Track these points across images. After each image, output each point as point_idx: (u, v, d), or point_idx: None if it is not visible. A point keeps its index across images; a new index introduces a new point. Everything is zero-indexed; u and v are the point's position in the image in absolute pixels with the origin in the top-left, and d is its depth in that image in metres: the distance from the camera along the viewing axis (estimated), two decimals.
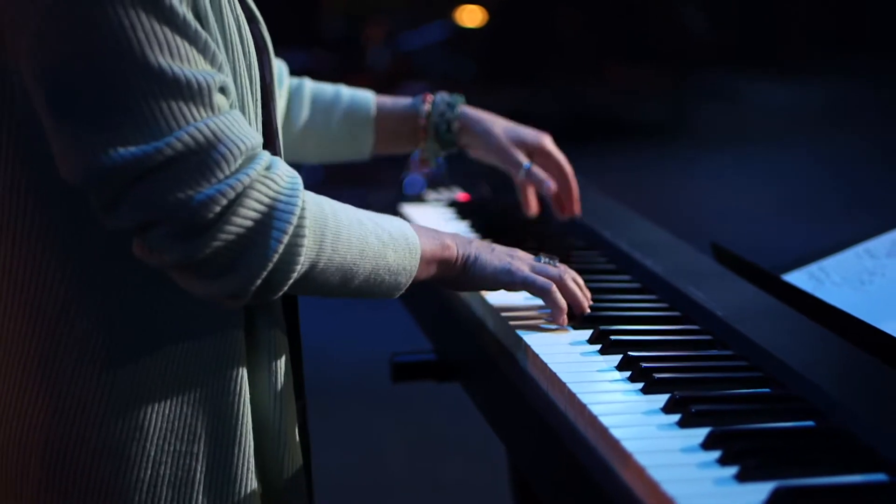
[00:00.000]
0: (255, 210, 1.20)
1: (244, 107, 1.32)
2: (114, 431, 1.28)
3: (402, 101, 1.84)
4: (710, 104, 8.35)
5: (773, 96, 8.65)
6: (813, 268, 1.65)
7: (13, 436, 1.30)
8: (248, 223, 1.20)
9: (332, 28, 8.45)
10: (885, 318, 1.42)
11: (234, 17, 1.31)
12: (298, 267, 1.24)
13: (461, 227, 1.94)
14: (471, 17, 8.08)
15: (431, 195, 2.13)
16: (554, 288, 1.45)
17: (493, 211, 2.02)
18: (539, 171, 1.78)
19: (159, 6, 1.18)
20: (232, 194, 1.19)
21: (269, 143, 1.41)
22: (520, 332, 1.43)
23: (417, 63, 7.96)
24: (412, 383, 1.86)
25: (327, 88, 1.84)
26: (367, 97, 1.83)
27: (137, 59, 1.17)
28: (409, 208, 2.05)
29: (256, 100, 1.35)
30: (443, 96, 1.82)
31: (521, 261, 1.47)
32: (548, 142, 1.82)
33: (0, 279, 1.28)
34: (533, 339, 1.41)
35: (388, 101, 1.84)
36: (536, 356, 1.37)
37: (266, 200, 1.21)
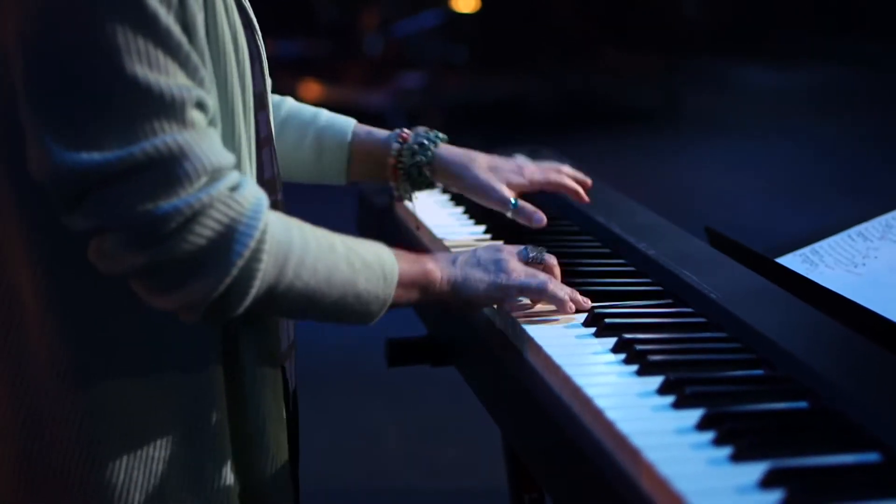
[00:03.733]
0: (211, 229, 1.20)
1: (234, 116, 1.31)
2: (86, 438, 1.29)
3: (377, 134, 1.73)
4: (703, 89, 8.34)
5: (766, 81, 8.64)
6: (806, 251, 1.65)
7: None
8: (203, 242, 1.19)
9: (327, 15, 8.43)
10: (877, 300, 1.43)
11: (229, 25, 1.30)
12: (254, 291, 1.23)
13: (456, 213, 1.95)
14: (465, 2, 8.07)
15: None
16: (549, 286, 1.43)
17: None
18: (526, 205, 1.68)
19: (142, 16, 1.18)
20: (189, 212, 1.18)
21: (260, 151, 1.40)
22: (515, 316, 1.44)
23: (412, 49, 7.95)
24: (408, 367, 1.87)
25: (307, 109, 1.77)
26: (345, 123, 1.74)
27: (114, 67, 1.17)
28: None
29: (249, 108, 1.34)
30: (418, 135, 1.70)
31: (509, 271, 1.44)
32: (529, 171, 1.73)
33: None
34: (528, 323, 1.42)
35: (364, 131, 1.74)
36: (531, 339, 1.37)
37: (225, 221, 1.20)
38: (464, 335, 1.60)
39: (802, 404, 1.19)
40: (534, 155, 2.26)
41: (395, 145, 1.69)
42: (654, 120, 7.99)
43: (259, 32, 1.45)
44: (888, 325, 1.36)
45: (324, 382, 3.85)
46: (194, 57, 1.23)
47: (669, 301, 1.50)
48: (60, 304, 1.28)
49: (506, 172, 1.70)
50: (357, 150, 1.73)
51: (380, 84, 7.65)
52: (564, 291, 1.44)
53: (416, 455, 3.48)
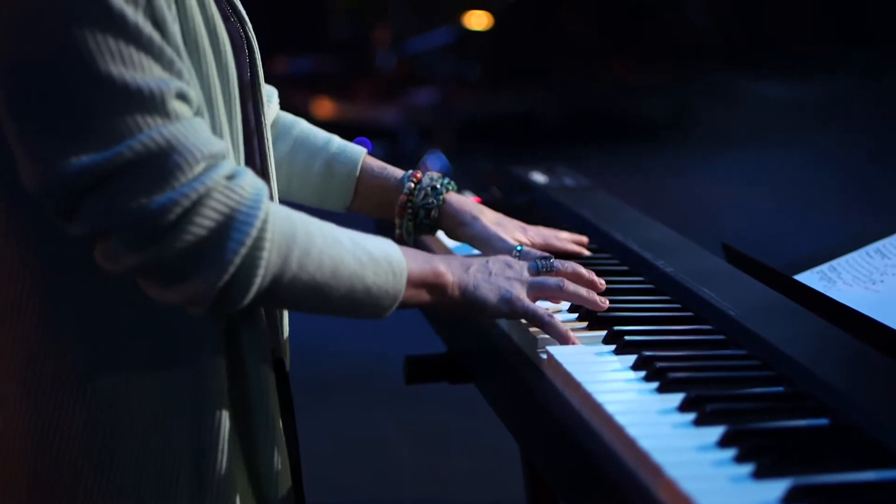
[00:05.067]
0: (211, 218, 1.20)
1: (215, 107, 1.32)
2: (95, 435, 1.30)
3: (391, 171, 1.75)
4: (717, 103, 8.34)
5: (783, 94, 8.63)
6: (824, 268, 1.65)
7: (2, 440, 1.33)
8: (203, 231, 1.20)
9: (340, 32, 8.46)
10: None
11: (203, 16, 1.31)
12: (259, 279, 1.24)
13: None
14: (477, 20, 8.09)
15: None
16: (554, 320, 1.43)
17: (503, 213, 2.02)
18: (531, 251, 1.67)
19: (109, 17, 1.19)
20: (187, 202, 1.19)
21: (248, 142, 1.42)
22: (534, 333, 1.44)
23: (424, 66, 7.97)
24: (425, 385, 1.87)
25: (320, 133, 1.78)
26: (356, 154, 1.76)
27: (89, 70, 1.18)
28: None
29: (232, 98, 1.35)
30: (432, 179, 1.72)
31: (518, 281, 1.46)
32: (532, 236, 1.74)
33: None
34: (548, 340, 1.42)
35: (378, 165, 1.76)
36: (551, 356, 1.38)
37: (224, 209, 1.21)
38: (482, 352, 1.61)
39: (823, 421, 1.20)
40: (548, 172, 2.28)
41: (409, 184, 1.71)
42: (667, 135, 7.99)
43: (248, 24, 1.47)
44: None
45: (338, 394, 3.87)
46: (168, 50, 1.23)
47: (688, 318, 1.51)
48: (65, 306, 1.29)
49: (510, 229, 1.72)
50: (365, 182, 1.75)
51: (392, 100, 7.67)
52: (582, 296, 1.48)
53: (429, 467, 3.49)
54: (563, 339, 1.42)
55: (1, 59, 1.20)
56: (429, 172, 1.74)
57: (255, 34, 1.50)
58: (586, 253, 1.77)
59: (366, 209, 1.78)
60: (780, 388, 1.29)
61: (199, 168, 1.20)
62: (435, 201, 1.71)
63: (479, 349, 1.63)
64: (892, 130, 6.98)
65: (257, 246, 1.22)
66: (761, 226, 5.19)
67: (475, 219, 1.71)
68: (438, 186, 1.72)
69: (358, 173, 1.74)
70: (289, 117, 1.79)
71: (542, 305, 1.49)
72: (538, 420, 1.38)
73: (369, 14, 8.37)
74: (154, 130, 1.19)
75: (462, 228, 1.71)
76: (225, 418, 1.35)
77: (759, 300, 1.53)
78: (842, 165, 6.64)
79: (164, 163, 1.18)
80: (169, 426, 1.32)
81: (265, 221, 1.23)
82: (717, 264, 1.70)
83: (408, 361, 1.78)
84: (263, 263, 1.23)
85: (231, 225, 1.21)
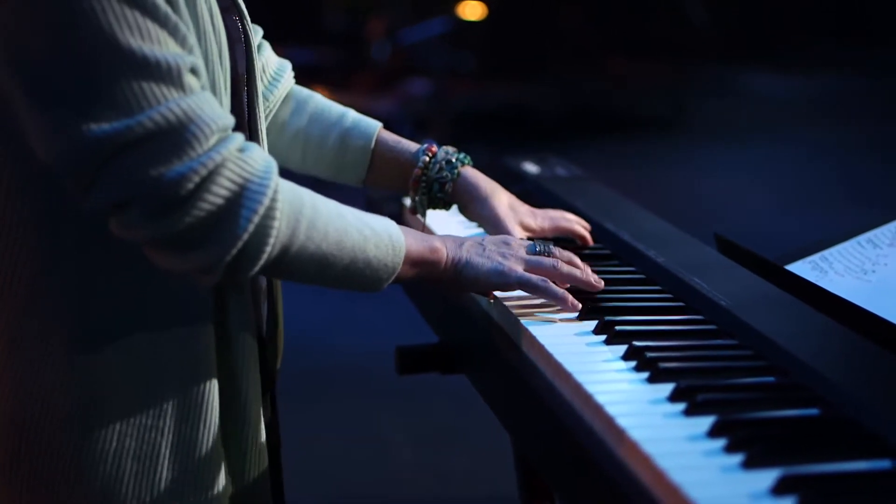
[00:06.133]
0: (226, 188, 1.23)
1: (216, 94, 1.34)
2: (78, 404, 1.31)
3: (406, 145, 1.75)
4: (712, 96, 8.35)
5: (776, 88, 8.65)
6: (816, 258, 1.65)
7: None
8: (219, 200, 1.22)
9: (335, 23, 8.45)
10: (888, 306, 1.43)
11: (206, 7, 1.33)
12: (269, 248, 1.26)
13: (465, 221, 1.95)
14: (472, 11, 8.08)
15: None
16: (549, 284, 1.46)
17: None
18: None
19: None
20: (204, 171, 1.21)
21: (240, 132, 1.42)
22: (525, 323, 1.44)
23: (419, 56, 7.97)
24: (417, 375, 1.87)
25: (335, 107, 1.79)
26: (371, 127, 1.76)
27: (108, 41, 1.19)
28: None
29: (227, 86, 1.37)
30: (447, 152, 1.73)
31: (514, 258, 1.48)
32: (542, 219, 1.74)
33: None
34: (538, 330, 1.42)
35: (393, 139, 1.76)
36: (542, 347, 1.37)
37: (238, 179, 1.24)
38: (474, 342, 1.61)
39: (813, 411, 1.19)
40: (541, 162, 2.27)
41: (424, 158, 1.72)
42: (661, 127, 8.00)
43: (247, 18, 1.48)
44: None
45: (334, 390, 3.87)
46: (182, 26, 1.26)
47: (680, 308, 1.50)
48: (55, 272, 1.30)
49: (522, 214, 1.73)
50: (380, 156, 1.75)
51: (387, 91, 7.68)
52: (578, 278, 1.49)
53: (425, 463, 3.49)
54: (563, 301, 1.44)
55: (17, 33, 1.21)
56: (444, 147, 1.75)
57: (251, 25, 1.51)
58: (590, 241, 1.77)
59: (380, 183, 1.79)
60: (771, 378, 1.28)
61: (213, 140, 1.23)
62: (449, 175, 1.72)
63: (469, 339, 1.63)
64: (885, 124, 6.99)
65: (269, 215, 1.25)
66: (754, 217, 5.20)
67: (487, 199, 1.72)
68: (454, 160, 1.73)
69: (373, 146, 1.75)
70: (304, 91, 1.81)
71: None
72: (529, 410, 1.37)
73: (364, 5, 8.37)
74: (172, 102, 1.21)
75: (473, 205, 1.72)
76: (212, 394, 1.36)
77: (751, 290, 1.53)
78: (834, 158, 6.65)
79: (181, 134, 1.21)
80: (157, 402, 1.33)
81: (276, 191, 1.26)
82: (708, 255, 1.70)
83: (399, 351, 1.78)
84: (274, 233, 1.26)
85: (244, 195, 1.24)
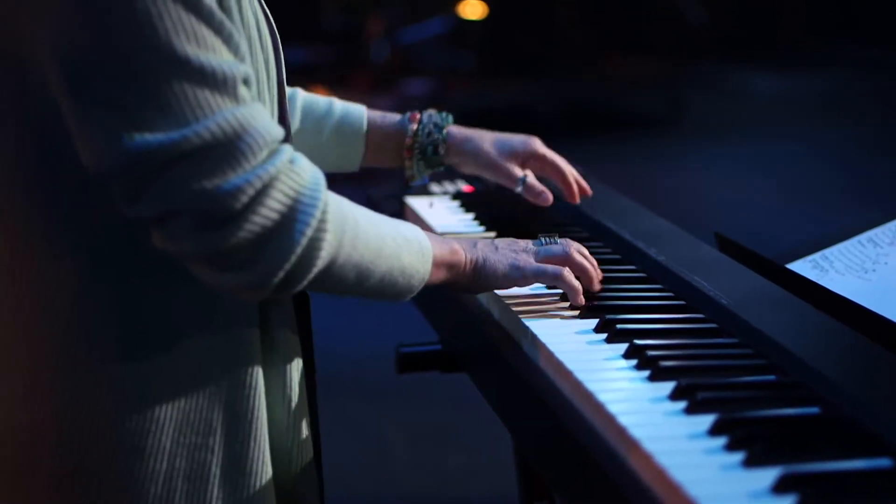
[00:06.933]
0: (280, 202, 1.19)
1: (262, 102, 1.32)
2: (128, 424, 1.27)
3: (391, 118, 1.82)
4: (710, 94, 8.35)
5: (775, 86, 8.65)
6: (816, 257, 1.65)
7: (23, 431, 1.30)
8: (274, 215, 1.19)
9: (333, 22, 8.44)
10: (888, 305, 1.43)
11: (253, 13, 1.31)
12: (320, 262, 1.23)
13: (466, 219, 1.95)
14: (471, 10, 8.08)
15: (436, 187, 2.14)
16: (565, 272, 1.47)
17: (497, 202, 2.03)
18: (535, 183, 1.78)
19: None
20: (259, 184, 1.18)
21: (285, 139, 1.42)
22: (526, 321, 1.44)
23: (418, 56, 7.96)
24: (418, 374, 1.87)
25: (320, 100, 1.81)
26: (359, 111, 1.81)
27: (164, 48, 1.16)
28: (413, 200, 2.06)
29: (273, 96, 1.35)
30: (431, 116, 1.80)
31: (524, 252, 1.49)
32: (538, 145, 1.81)
33: (13, 275, 1.28)
34: (539, 328, 1.42)
35: (378, 116, 1.82)
36: (543, 345, 1.38)
37: (291, 193, 1.20)
38: (474, 341, 1.61)
39: (814, 410, 1.20)
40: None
41: (412, 126, 1.79)
42: (661, 125, 7.99)
43: (274, 25, 1.46)
44: None
45: (332, 389, 3.86)
46: (236, 35, 1.23)
47: (681, 307, 1.51)
48: (100, 286, 1.27)
49: (513, 142, 1.80)
50: (373, 138, 1.80)
51: (386, 90, 7.67)
52: (586, 268, 1.51)
53: (424, 461, 3.49)
54: (576, 293, 1.47)
55: (71, 36, 1.17)
56: (425, 111, 1.82)
57: None
58: (575, 200, 1.83)
59: (375, 161, 1.83)
60: (772, 377, 1.29)
61: (265, 152, 1.20)
62: (440, 136, 1.79)
63: (470, 338, 1.63)
64: (886, 123, 6.99)
65: (321, 228, 1.22)
66: (754, 215, 5.19)
67: (480, 146, 1.79)
68: (439, 122, 1.80)
69: (365, 129, 1.80)
70: (288, 89, 1.80)
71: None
72: (530, 409, 1.38)
73: (363, 4, 8.36)
74: (227, 112, 1.18)
75: (467, 157, 1.79)
76: (260, 406, 1.33)
77: (752, 289, 1.53)
78: (835, 156, 6.65)
79: (234, 146, 1.17)
80: (204, 415, 1.30)
81: (326, 203, 1.24)
82: (709, 253, 1.70)
83: (399, 351, 1.78)
84: (325, 245, 1.23)
85: (297, 208, 1.21)
